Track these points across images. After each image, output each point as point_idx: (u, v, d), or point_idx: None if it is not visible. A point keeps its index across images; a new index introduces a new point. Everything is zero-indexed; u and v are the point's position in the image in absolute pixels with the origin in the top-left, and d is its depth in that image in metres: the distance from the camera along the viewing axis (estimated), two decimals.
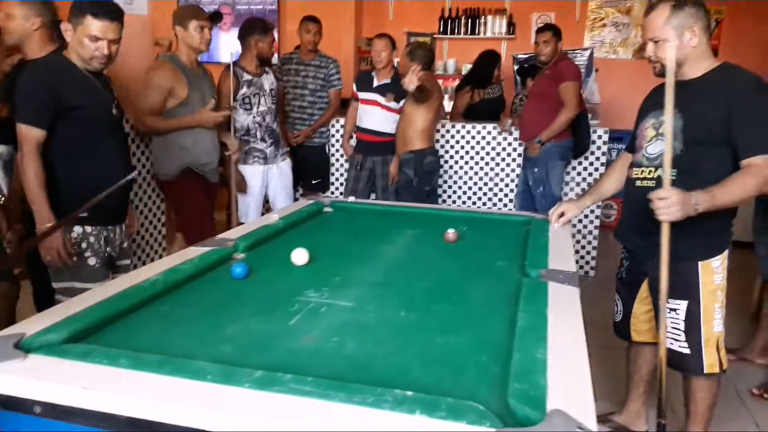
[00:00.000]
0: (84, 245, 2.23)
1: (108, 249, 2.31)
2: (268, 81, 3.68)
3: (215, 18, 3.14)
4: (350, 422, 0.92)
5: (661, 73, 1.97)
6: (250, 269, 1.70)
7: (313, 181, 4.54)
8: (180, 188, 3.06)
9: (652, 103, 2.11)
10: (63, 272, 2.19)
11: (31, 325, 1.23)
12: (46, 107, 2.09)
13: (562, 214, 2.30)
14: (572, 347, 1.22)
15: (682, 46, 1.90)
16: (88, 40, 2.11)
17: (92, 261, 2.25)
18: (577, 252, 4.54)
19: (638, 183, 2.06)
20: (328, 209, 2.62)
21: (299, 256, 1.80)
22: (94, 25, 2.09)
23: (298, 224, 2.33)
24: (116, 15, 2.15)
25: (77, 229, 2.22)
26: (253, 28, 3.61)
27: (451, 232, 2.13)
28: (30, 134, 2.07)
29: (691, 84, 1.95)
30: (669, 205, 1.76)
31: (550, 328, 1.30)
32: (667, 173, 1.81)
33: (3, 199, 2.54)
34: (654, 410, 2.17)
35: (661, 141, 2.01)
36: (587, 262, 4.56)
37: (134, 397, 0.98)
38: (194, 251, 1.82)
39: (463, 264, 1.90)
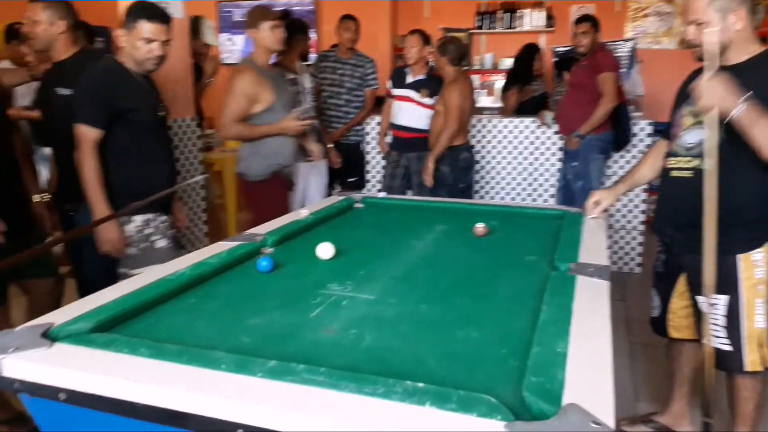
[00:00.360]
0: (149, 230, 2.37)
1: (171, 232, 2.46)
2: (308, 79, 3.72)
3: (284, 18, 3.16)
4: (359, 412, 0.92)
5: (703, 58, 1.90)
6: (275, 263, 1.71)
7: (349, 180, 4.55)
8: (267, 189, 3.09)
9: (690, 89, 2.02)
10: (135, 259, 2.32)
11: (61, 316, 1.27)
12: (104, 108, 2.24)
13: (597, 204, 2.23)
14: (596, 341, 1.18)
15: (726, 30, 1.83)
16: (142, 42, 2.26)
17: (161, 243, 2.39)
18: (621, 248, 4.43)
19: (673, 173, 1.98)
20: (359, 205, 2.62)
21: (325, 250, 1.80)
22: (147, 27, 2.25)
23: (327, 219, 2.34)
24: (166, 18, 2.31)
25: (139, 218, 2.35)
26: (294, 28, 3.65)
27: (480, 227, 2.10)
28: (89, 134, 2.22)
29: (734, 70, 1.87)
30: (712, 84, 1.71)
31: (574, 322, 1.26)
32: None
33: (50, 197, 2.65)
34: (698, 410, 2.10)
35: (699, 129, 1.93)
36: (632, 259, 4.44)
37: (151, 385, 1.00)
38: (223, 245, 1.85)
39: (491, 258, 1.87)
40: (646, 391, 2.71)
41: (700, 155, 1.92)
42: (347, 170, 4.47)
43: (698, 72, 1.98)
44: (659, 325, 2.23)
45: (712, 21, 1.82)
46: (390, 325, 1.33)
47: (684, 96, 2.04)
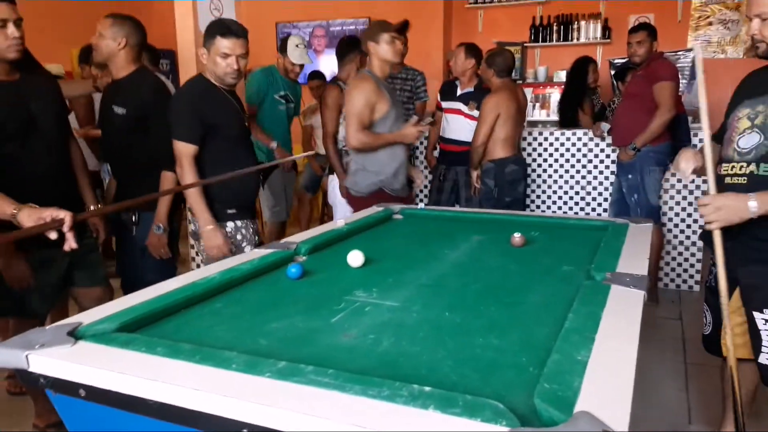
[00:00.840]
0: (239, 237, 2.52)
1: (257, 238, 2.59)
2: None
3: (404, 29, 3.11)
4: (361, 414, 0.89)
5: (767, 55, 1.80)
6: (304, 270, 1.72)
7: None
8: (368, 205, 2.98)
9: (748, 89, 1.91)
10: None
11: (90, 316, 1.31)
12: (198, 125, 2.37)
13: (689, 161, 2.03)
14: (621, 350, 1.12)
15: None
16: (219, 57, 2.37)
17: (248, 249, 2.50)
18: (679, 265, 4.23)
19: (728, 180, 1.87)
20: (397, 216, 2.61)
21: (354, 258, 1.80)
22: (223, 43, 2.36)
23: (364, 230, 2.33)
24: (241, 32, 2.41)
25: (230, 225, 2.49)
26: (353, 44, 3.70)
27: (517, 236, 2.05)
28: (185, 149, 2.37)
29: None
30: (711, 210, 1.67)
31: (601, 331, 1.20)
32: (711, 175, 1.67)
33: (100, 205, 2.77)
34: None
35: (754, 133, 1.83)
36: (691, 276, 4.23)
37: (160, 382, 1.01)
38: (257, 253, 1.88)
39: (525, 268, 1.81)
40: (699, 414, 2.55)
41: (754, 160, 1.82)
42: None
43: (760, 72, 1.88)
44: (712, 343, 2.09)
45: None
46: (409, 331, 1.30)
47: (742, 96, 1.93)
